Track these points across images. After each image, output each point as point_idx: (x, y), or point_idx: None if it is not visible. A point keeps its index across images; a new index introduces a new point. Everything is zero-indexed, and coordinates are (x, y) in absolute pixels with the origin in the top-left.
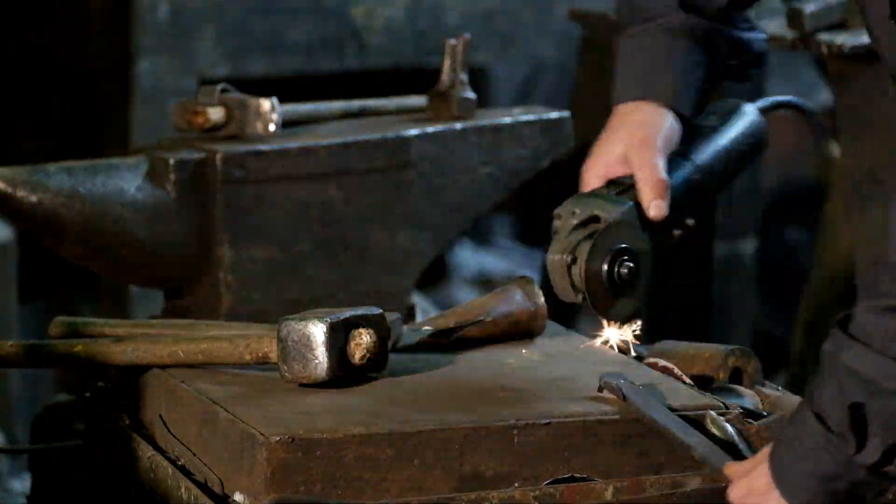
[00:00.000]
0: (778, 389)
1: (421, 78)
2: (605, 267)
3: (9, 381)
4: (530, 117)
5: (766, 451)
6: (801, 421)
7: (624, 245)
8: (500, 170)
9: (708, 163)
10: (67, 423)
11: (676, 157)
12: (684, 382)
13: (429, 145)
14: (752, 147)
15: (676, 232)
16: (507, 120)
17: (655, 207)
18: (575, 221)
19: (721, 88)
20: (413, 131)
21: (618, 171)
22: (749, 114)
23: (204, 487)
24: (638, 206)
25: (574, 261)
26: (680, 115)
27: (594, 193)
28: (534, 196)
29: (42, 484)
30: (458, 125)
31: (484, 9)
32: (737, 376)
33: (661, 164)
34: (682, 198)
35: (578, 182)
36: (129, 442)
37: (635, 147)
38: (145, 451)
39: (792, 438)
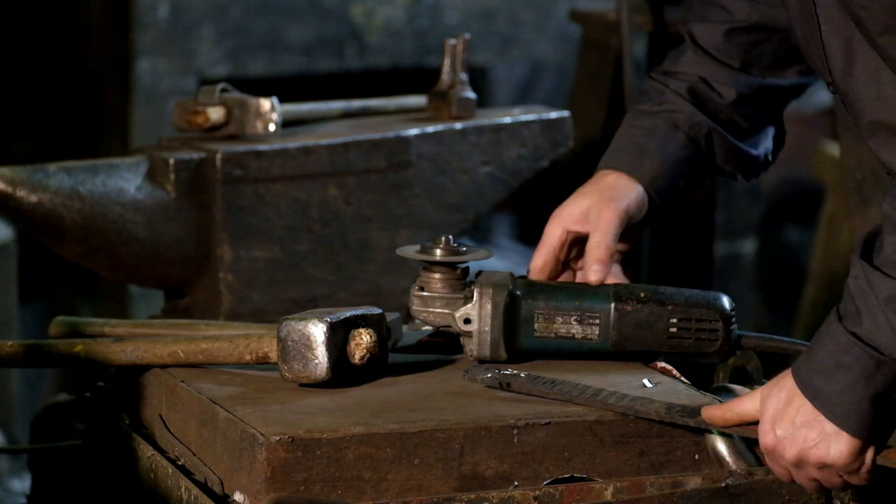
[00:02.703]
0: None
1: (421, 78)
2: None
3: (9, 381)
4: (530, 117)
5: (759, 393)
6: (841, 351)
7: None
8: (500, 170)
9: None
10: (67, 423)
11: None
12: (683, 382)
13: (429, 145)
14: None
15: None
16: (507, 120)
17: (594, 272)
18: None
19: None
20: (413, 131)
21: (576, 228)
22: None
23: (204, 487)
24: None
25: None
26: (651, 200)
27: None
28: (534, 196)
29: (42, 484)
30: (458, 125)
31: (484, 9)
32: (737, 376)
33: (614, 230)
34: None
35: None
36: (129, 442)
37: (601, 205)
38: (145, 451)
39: (832, 369)
